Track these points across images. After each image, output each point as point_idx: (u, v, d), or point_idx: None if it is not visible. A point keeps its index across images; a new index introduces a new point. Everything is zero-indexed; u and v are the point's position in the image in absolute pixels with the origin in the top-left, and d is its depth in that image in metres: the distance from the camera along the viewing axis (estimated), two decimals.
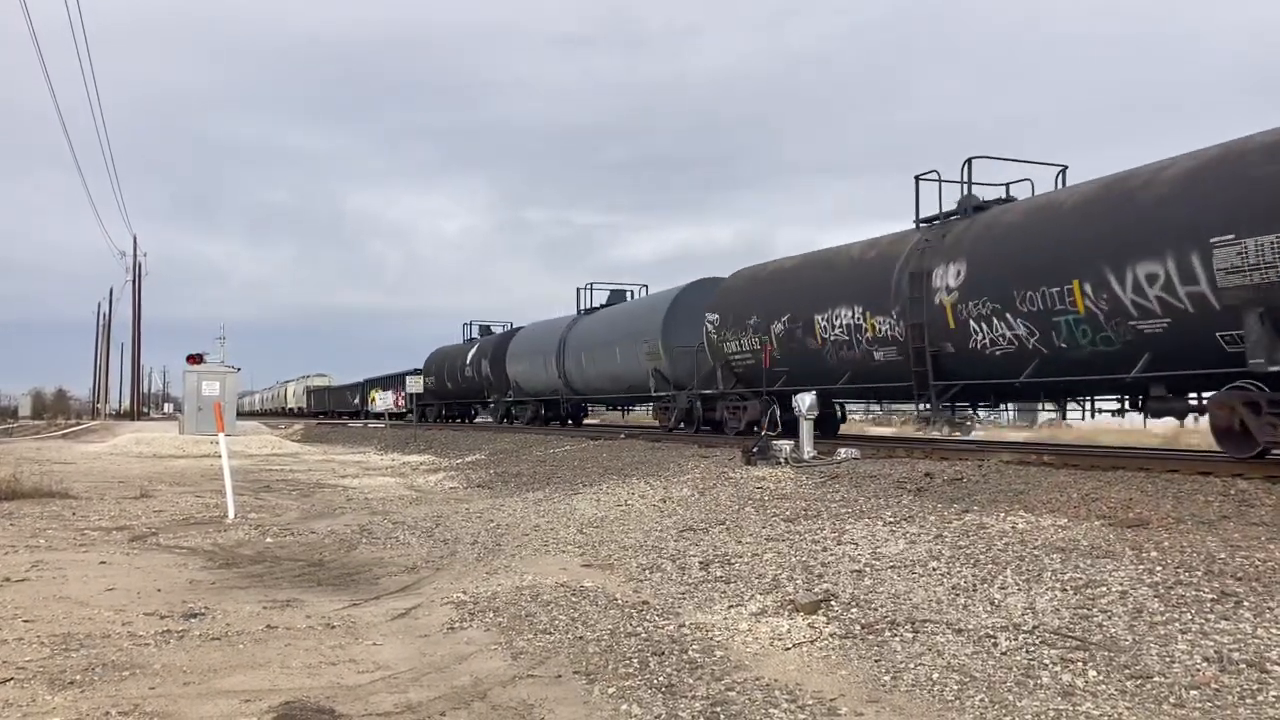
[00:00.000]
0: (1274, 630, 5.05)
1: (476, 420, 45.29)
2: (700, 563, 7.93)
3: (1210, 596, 5.61)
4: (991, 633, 5.46)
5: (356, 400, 60.07)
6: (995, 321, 12.90)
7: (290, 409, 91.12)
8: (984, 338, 13.16)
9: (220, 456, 13.66)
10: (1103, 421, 13.96)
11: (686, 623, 6.23)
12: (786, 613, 6.29)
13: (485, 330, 41.76)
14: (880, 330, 15.05)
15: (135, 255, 55.68)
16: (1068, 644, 5.16)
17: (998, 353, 13.03)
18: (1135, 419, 13.62)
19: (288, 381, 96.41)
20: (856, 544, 7.92)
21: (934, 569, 6.88)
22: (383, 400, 45.43)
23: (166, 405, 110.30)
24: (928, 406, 14.63)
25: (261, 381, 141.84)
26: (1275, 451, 10.01)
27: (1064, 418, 18.29)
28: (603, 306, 29.90)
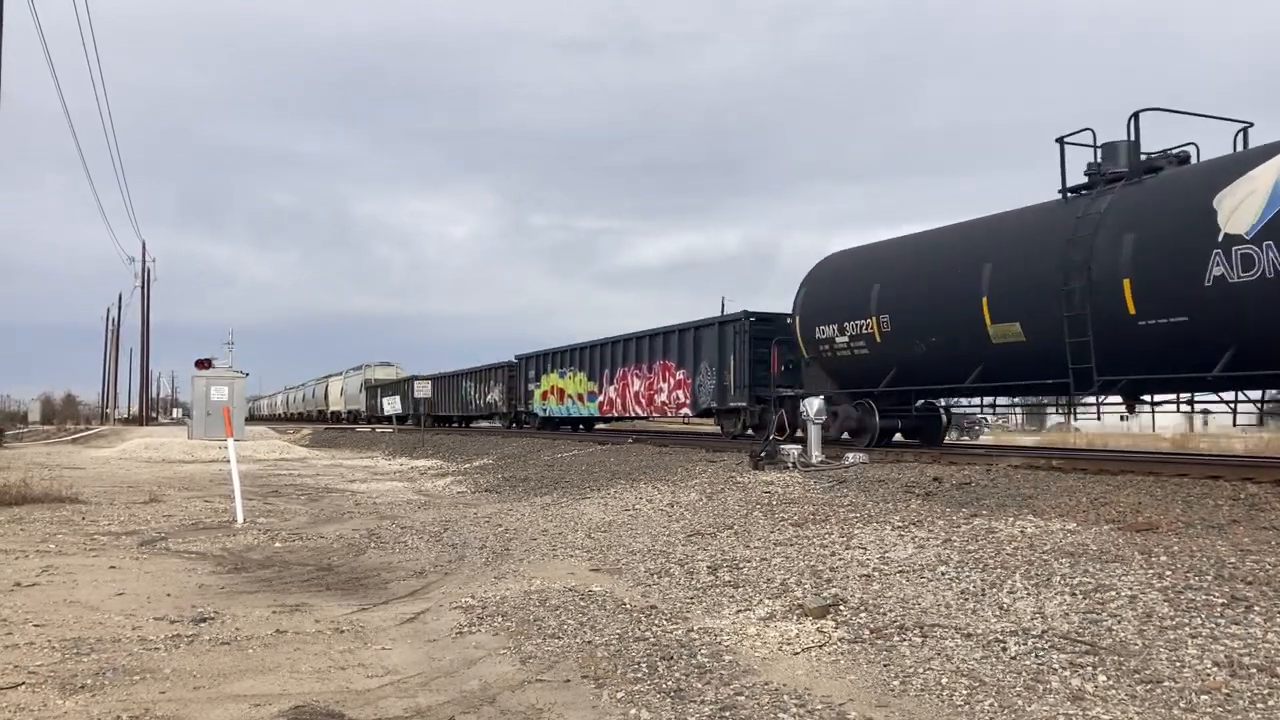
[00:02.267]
0: None
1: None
2: (708, 567, 7.94)
3: (1220, 601, 5.60)
4: (1000, 637, 5.45)
5: (492, 396, 34.54)
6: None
7: (335, 413, 66.00)
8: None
9: (229, 461, 13.70)
10: (1111, 426, 14.12)
11: (695, 627, 6.23)
12: (795, 617, 6.29)
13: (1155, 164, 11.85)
14: None
15: (144, 262, 55.94)
16: (1077, 649, 5.15)
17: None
18: (1145, 423, 13.74)
19: (331, 376, 71.17)
20: (865, 548, 7.91)
21: (942, 573, 6.87)
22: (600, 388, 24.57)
23: (175, 410, 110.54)
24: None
25: (270, 384, 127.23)
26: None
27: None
28: None
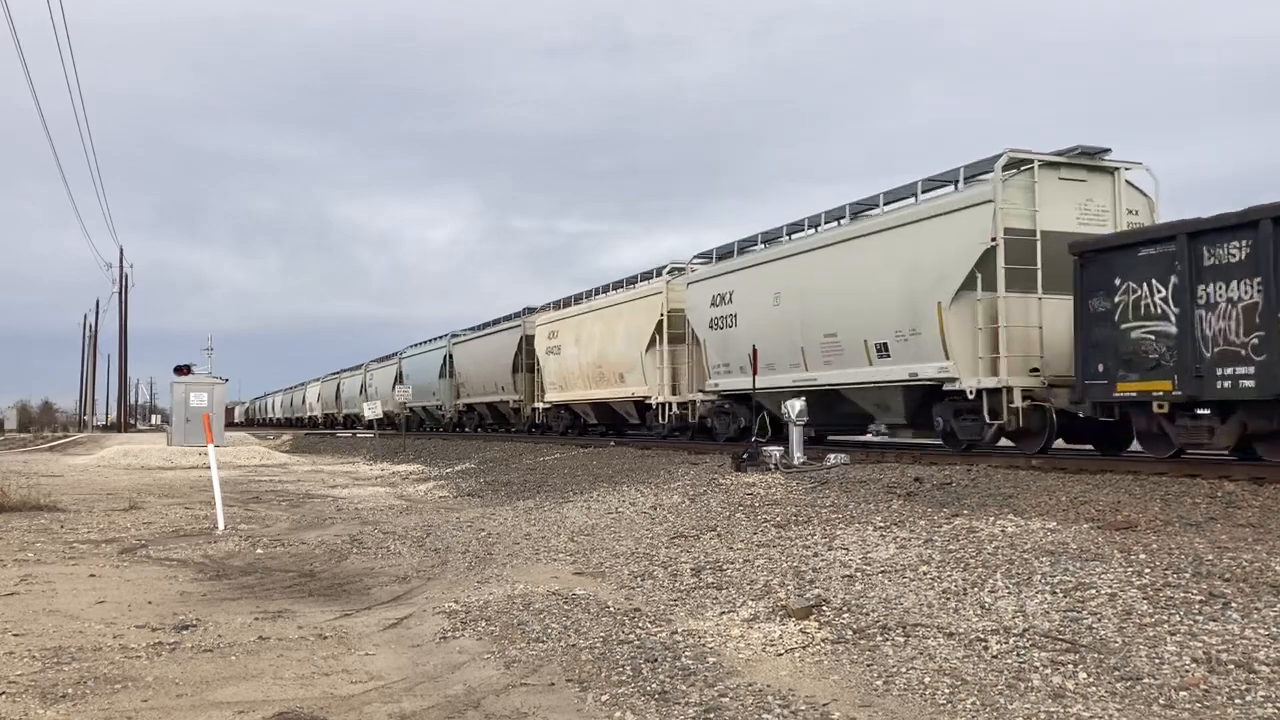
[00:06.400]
0: (1261, 631, 5.09)
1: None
2: (692, 569, 7.95)
3: (1198, 598, 5.66)
4: (982, 636, 5.49)
5: None
6: None
7: (508, 406, 31.55)
8: None
9: (209, 468, 13.61)
10: None
11: (679, 629, 6.25)
12: (778, 618, 6.31)
13: None
14: None
15: (121, 267, 55.46)
16: (1058, 646, 5.19)
17: None
18: None
19: (498, 323, 32.51)
20: (847, 549, 7.95)
21: (924, 573, 6.91)
22: None
23: (154, 417, 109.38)
24: None
25: (250, 390, 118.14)
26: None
27: None
28: None
